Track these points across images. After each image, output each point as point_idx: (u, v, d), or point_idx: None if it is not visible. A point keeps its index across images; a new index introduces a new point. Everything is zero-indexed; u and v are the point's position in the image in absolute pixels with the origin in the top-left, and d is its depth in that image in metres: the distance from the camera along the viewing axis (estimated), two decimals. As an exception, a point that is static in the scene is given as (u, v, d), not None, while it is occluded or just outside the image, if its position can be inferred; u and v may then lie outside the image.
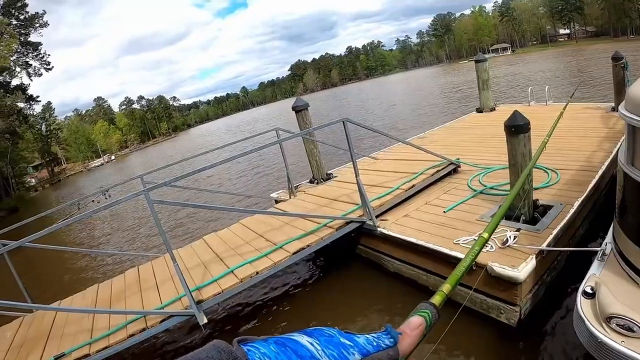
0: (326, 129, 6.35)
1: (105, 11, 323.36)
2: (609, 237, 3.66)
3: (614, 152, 6.20)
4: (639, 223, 3.12)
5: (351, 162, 5.67)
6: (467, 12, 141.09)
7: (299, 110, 8.01)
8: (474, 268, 3.86)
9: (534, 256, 3.95)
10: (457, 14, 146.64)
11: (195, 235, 10.14)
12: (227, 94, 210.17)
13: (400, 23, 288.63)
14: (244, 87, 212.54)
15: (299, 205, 6.94)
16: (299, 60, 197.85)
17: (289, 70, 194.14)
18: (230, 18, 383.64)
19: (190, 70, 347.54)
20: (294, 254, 5.07)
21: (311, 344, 0.73)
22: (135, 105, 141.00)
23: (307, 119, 8.05)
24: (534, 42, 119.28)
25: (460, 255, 4.21)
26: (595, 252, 3.54)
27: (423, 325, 0.93)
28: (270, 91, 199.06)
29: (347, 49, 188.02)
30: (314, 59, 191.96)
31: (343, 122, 5.46)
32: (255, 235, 5.95)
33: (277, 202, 8.00)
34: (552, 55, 63.07)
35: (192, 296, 4.35)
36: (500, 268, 3.83)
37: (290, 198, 7.70)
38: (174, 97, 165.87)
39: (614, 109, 8.99)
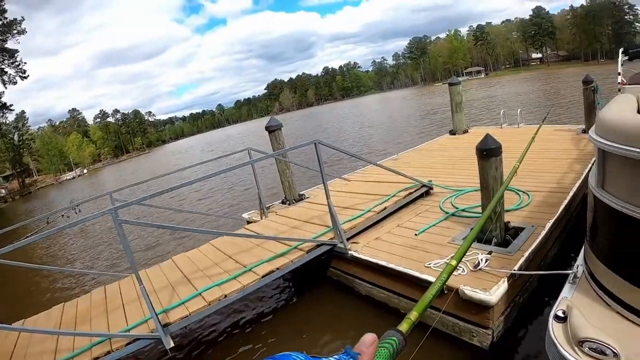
0: (300, 149, 6.30)
1: (84, 21, 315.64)
2: (580, 260, 3.65)
3: (584, 174, 6.31)
4: (610, 245, 3.11)
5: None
6: (443, 35, 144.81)
7: (273, 130, 7.96)
8: (445, 292, 3.82)
9: (506, 279, 3.92)
10: (433, 38, 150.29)
11: (164, 253, 9.93)
12: (203, 111, 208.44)
13: (376, 45, 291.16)
14: (220, 105, 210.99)
15: (270, 227, 6.84)
16: (275, 79, 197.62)
17: (265, 89, 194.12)
18: (209, 35, 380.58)
19: (167, 85, 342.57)
20: (263, 277, 4.95)
21: None
22: (110, 119, 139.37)
23: (280, 139, 7.99)
24: (507, 66, 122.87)
25: (431, 279, 4.17)
26: (567, 275, 3.52)
27: (377, 341, 0.93)
28: (246, 109, 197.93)
29: (323, 69, 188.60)
30: (290, 78, 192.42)
31: (315, 143, 5.45)
32: (224, 257, 5.81)
33: (248, 222, 7.88)
34: (524, 78, 64.96)
35: (158, 319, 4.19)
36: (472, 291, 3.79)
37: (261, 219, 7.60)
38: (150, 112, 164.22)
39: (585, 131, 9.24)
